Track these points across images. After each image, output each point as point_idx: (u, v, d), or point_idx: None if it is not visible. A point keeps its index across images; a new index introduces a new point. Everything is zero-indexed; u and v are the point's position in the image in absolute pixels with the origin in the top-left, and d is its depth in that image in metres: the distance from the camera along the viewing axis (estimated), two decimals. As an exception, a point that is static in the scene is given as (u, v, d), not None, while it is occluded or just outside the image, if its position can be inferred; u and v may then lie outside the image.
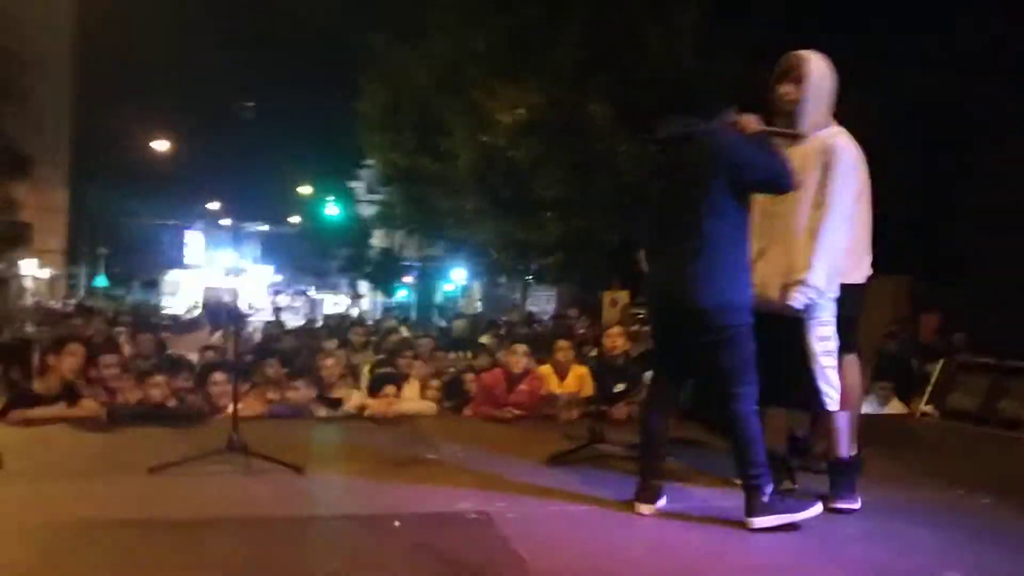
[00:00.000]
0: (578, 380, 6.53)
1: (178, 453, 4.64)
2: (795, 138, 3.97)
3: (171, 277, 54.07)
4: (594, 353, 7.85)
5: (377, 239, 40.06)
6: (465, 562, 3.18)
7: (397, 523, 3.60)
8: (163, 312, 30.83)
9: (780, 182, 3.73)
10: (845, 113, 4.09)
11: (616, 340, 6.66)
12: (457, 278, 37.11)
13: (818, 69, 3.95)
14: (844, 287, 4.05)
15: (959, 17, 12.03)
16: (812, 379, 3.93)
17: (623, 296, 16.22)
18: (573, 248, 18.17)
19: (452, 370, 8.17)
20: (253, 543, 3.35)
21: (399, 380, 6.71)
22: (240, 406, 4.88)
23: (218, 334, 12.68)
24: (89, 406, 5.94)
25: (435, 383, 7.15)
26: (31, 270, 38.87)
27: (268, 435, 5.11)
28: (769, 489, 3.61)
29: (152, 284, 51.34)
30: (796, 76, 3.96)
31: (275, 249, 54.96)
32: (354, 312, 36.97)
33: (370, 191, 39.17)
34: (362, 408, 6.27)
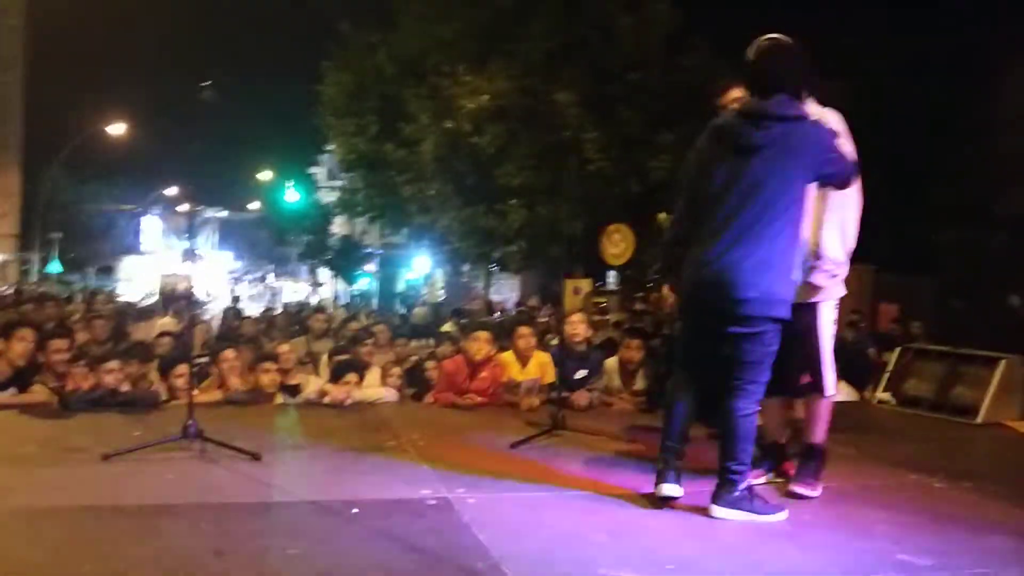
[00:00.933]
0: (540, 367, 6.52)
1: (132, 440, 4.58)
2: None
3: (127, 263, 53.27)
4: (556, 340, 7.85)
5: (338, 226, 39.75)
6: (425, 548, 3.16)
7: (356, 510, 3.58)
8: (119, 299, 30.40)
9: (851, 178, 3.77)
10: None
11: (577, 327, 6.65)
12: (420, 266, 36.96)
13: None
14: None
15: (936, 19, 12.21)
16: (818, 364, 4.02)
17: (586, 284, 16.30)
18: (536, 236, 18.20)
19: (414, 358, 8.13)
20: (210, 529, 3.30)
21: (360, 368, 6.66)
22: (197, 393, 4.81)
23: (169, 318, 12.52)
24: (40, 392, 5.82)
25: (396, 370, 7.10)
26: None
27: (225, 422, 5.06)
28: (743, 486, 3.59)
29: (108, 270, 50.50)
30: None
31: (234, 235, 54.39)
32: (314, 300, 36.72)
33: (331, 177, 38.91)
34: (322, 395, 6.21)
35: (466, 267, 26.72)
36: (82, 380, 5.97)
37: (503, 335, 7.37)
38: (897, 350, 7.32)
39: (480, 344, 6.49)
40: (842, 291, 4.07)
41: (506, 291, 28.09)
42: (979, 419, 6.06)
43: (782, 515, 3.62)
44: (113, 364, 5.98)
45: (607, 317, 13.23)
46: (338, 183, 33.62)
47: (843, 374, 7.54)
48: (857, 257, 4.83)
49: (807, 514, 3.74)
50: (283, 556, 3.02)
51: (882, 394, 6.91)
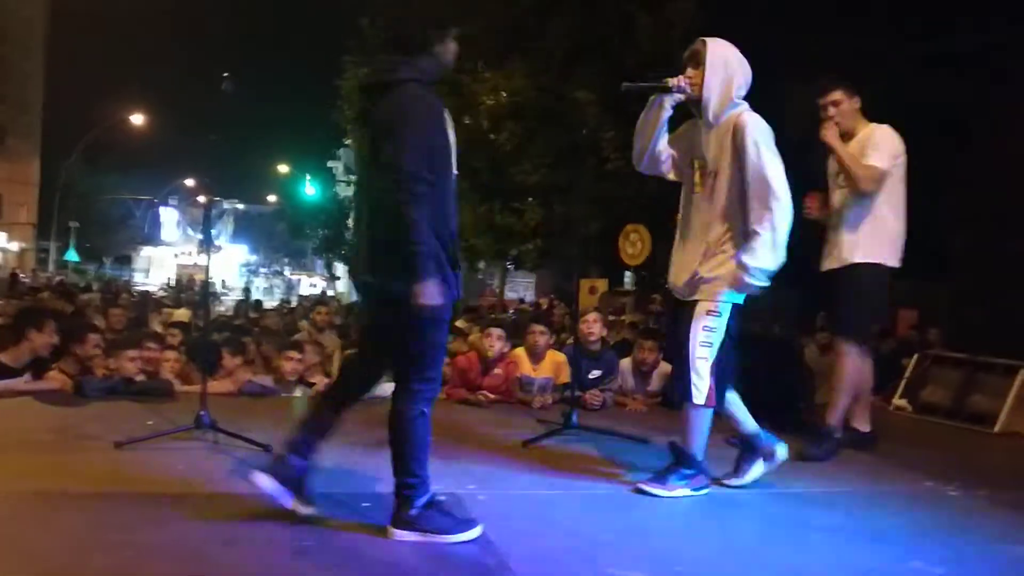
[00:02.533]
0: (554, 366, 6.51)
1: (146, 429, 4.59)
2: (674, 90, 3.95)
3: (144, 253, 53.60)
4: (571, 340, 7.84)
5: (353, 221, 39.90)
6: (434, 542, 3.15)
7: (366, 504, 3.57)
8: (135, 288, 30.60)
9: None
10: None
11: (593, 327, 6.63)
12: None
13: (716, 53, 3.90)
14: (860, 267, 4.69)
15: (954, 20, 12.07)
16: (685, 366, 3.87)
17: (601, 284, 16.27)
18: (553, 235, 18.17)
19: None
20: (220, 519, 3.30)
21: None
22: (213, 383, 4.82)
23: (184, 309, 12.58)
24: (55, 378, 5.86)
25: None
26: (0, 243, 38.38)
27: (237, 413, 5.06)
28: (421, 502, 3.20)
29: (124, 260, 50.83)
30: (696, 61, 3.94)
31: (250, 228, 54.63)
32: (330, 294, 36.83)
33: (349, 171, 38.97)
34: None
35: (481, 264, 26.71)
36: (100, 369, 6.01)
37: (516, 332, 7.36)
38: (915, 356, 7.26)
39: (493, 340, 6.48)
40: (735, 297, 3.88)
41: (521, 289, 28.11)
42: (996, 428, 6.00)
43: (472, 533, 3.20)
44: (133, 352, 6.00)
45: (623, 317, 13.22)
46: (355, 177, 33.70)
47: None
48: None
49: (820, 518, 3.71)
50: (293, 548, 3.02)
51: (899, 400, 6.86)
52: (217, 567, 2.82)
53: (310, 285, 49.33)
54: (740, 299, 3.90)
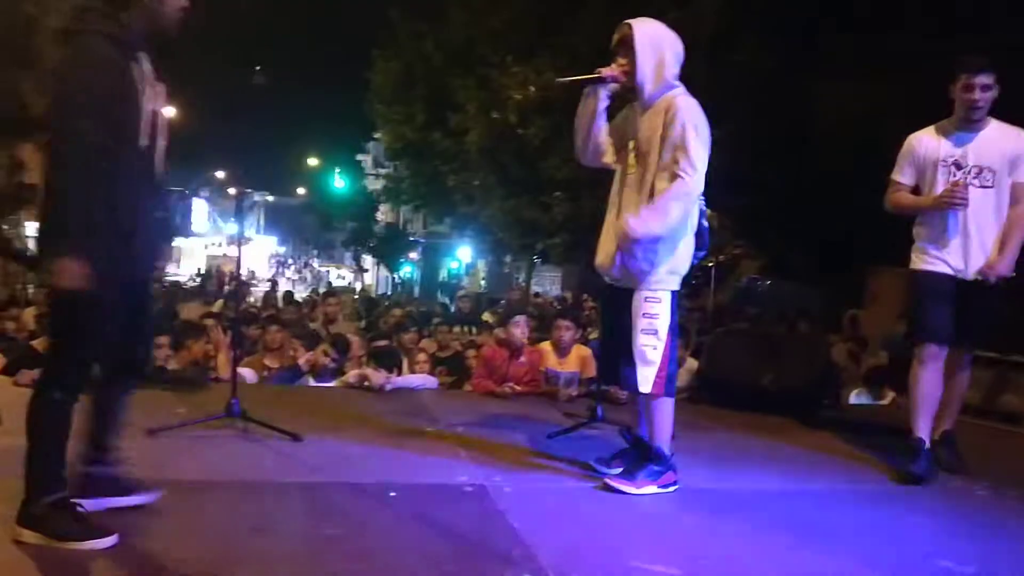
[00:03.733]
0: (580, 360, 6.52)
1: (177, 417, 4.65)
2: (608, 80, 3.91)
3: (175, 244, 54.14)
4: (595, 335, 7.84)
5: (383, 214, 40.01)
6: (460, 534, 3.18)
7: (393, 493, 3.60)
8: (167, 279, 30.89)
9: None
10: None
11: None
12: (462, 256, 37.08)
13: (643, 35, 3.84)
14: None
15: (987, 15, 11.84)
16: (630, 355, 3.81)
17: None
18: (580, 229, 18.13)
19: (456, 345, 8.19)
20: (249, 507, 3.34)
21: (398, 355, 6.71)
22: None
23: (219, 302, 12.72)
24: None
25: (422, 356, 7.18)
26: (34, 231, 38.91)
27: (268, 402, 5.12)
28: (49, 500, 2.87)
29: (157, 251, 51.32)
30: (626, 46, 3.87)
31: (279, 220, 54.98)
32: (357, 286, 37.02)
33: (377, 165, 39.13)
34: (362, 379, 6.26)
35: (508, 258, 26.78)
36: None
37: (543, 326, 7.39)
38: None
39: (520, 329, 6.51)
40: (672, 284, 3.83)
41: (547, 283, 28.10)
42: (1026, 427, 5.95)
43: (102, 542, 2.83)
44: (163, 339, 6.08)
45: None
46: (384, 171, 33.83)
47: (893, 379, 7.50)
48: (891, 259, 4.77)
49: (847, 516, 3.70)
50: (321, 536, 3.06)
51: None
52: (245, 554, 2.85)
53: (338, 276, 49.60)
54: (678, 285, 3.87)
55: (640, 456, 3.90)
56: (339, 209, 40.41)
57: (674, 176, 3.68)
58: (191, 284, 30.64)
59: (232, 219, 52.28)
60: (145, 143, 2.95)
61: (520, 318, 6.67)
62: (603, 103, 4.00)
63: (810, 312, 12.87)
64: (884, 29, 13.27)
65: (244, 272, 6.32)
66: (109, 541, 2.84)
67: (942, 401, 4.47)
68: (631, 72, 3.84)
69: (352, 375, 6.38)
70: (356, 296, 25.32)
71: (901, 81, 12.40)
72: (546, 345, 6.69)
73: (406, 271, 40.98)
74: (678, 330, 3.94)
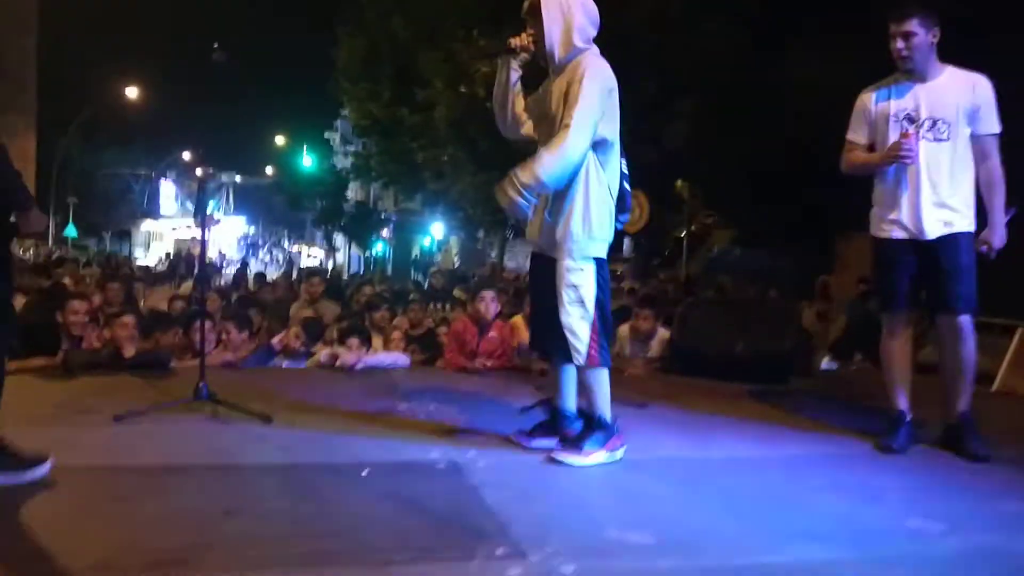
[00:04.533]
0: (551, 333, 6.50)
1: (144, 401, 4.60)
2: (518, 50, 3.87)
3: (143, 228, 53.52)
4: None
5: (353, 192, 39.77)
6: (434, 510, 3.17)
7: (365, 472, 3.58)
8: (134, 263, 30.60)
9: None
10: None
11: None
12: (435, 233, 36.96)
13: (549, 3, 3.74)
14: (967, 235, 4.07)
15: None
16: (559, 326, 3.76)
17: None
18: (552, 202, 18.13)
19: (428, 323, 8.16)
20: (222, 490, 3.31)
21: (367, 332, 6.67)
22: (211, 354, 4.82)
23: (186, 284, 12.59)
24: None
25: (396, 335, 7.15)
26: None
27: (237, 384, 5.08)
28: None
29: (124, 235, 50.76)
30: (534, 14, 3.80)
31: (248, 200, 54.49)
32: (329, 265, 36.83)
33: (346, 142, 38.81)
34: (333, 358, 6.23)
35: (480, 234, 26.72)
36: (96, 342, 6.01)
37: (516, 300, 7.37)
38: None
39: (486, 303, 6.49)
40: (593, 251, 3.76)
41: (520, 258, 28.08)
42: (994, 387, 6.01)
43: (41, 469, 3.30)
44: (127, 319, 5.99)
45: (622, 284, 13.21)
46: (352, 148, 33.58)
47: (859, 344, 7.57)
48: (859, 225, 4.68)
49: (817, 478, 3.73)
50: (293, 516, 3.03)
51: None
52: (218, 537, 2.82)
53: (309, 256, 49.30)
54: (602, 253, 3.80)
55: (585, 426, 3.92)
56: (308, 188, 40.12)
57: (558, 131, 3.61)
58: (159, 268, 30.35)
59: (200, 200, 51.68)
60: None
61: (487, 293, 6.66)
62: (515, 74, 3.96)
63: (780, 279, 12.98)
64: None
65: (214, 254, 6.22)
66: (47, 466, 3.30)
67: (947, 378, 4.23)
68: (539, 39, 3.78)
69: (323, 354, 6.34)
70: (327, 276, 25.17)
71: (868, 47, 12.42)
72: (518, 319, 6.68)
73: (378, 249, 40.80)
74: (608, 299, 3.87)
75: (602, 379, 3.85)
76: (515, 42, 3.86)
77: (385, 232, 40.16)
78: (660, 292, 12.49)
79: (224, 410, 4.46)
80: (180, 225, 51.61)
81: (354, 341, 6.31)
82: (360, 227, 38.08)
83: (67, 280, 10.36)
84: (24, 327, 6.11)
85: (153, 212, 54.89)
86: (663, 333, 6.69)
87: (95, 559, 2.59)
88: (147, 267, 30.04)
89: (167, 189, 56.30)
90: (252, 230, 55.33)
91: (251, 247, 50.82)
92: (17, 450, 3.36)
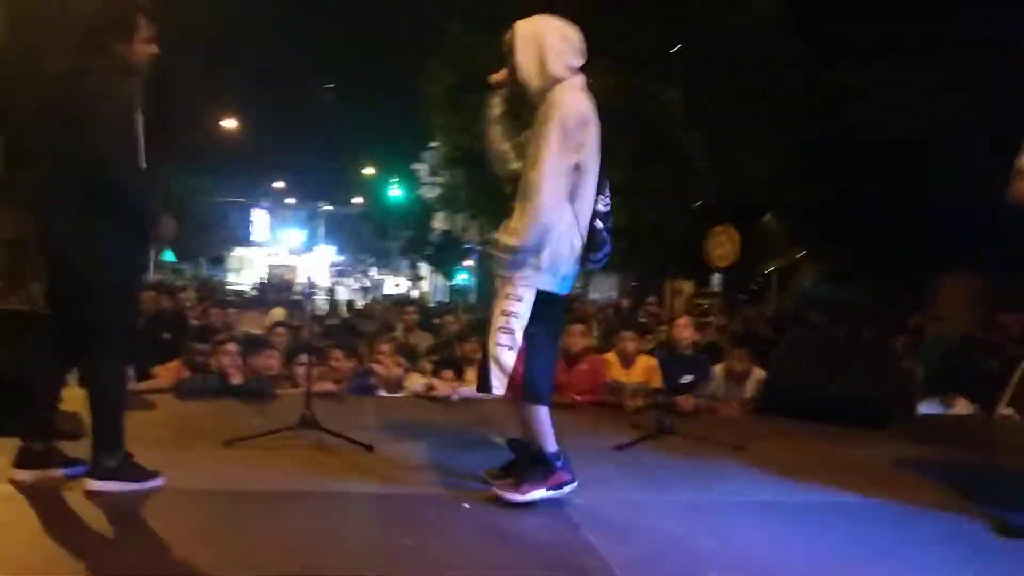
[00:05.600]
0: (646, 371, 6.49)
1: (251, 428, 4.75)
2: (494, 86, 3.81)
3: (237, 254, 55.17)
4: (653, 345, 7.83)
5: (439, 222, 40.26)
6: (534, 546, 3.22)
7: (467, 505, 3.64)
8: (229, 288, 31.51)
9: None
10: None
11: (683, 331, 6.60)
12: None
13: (523, 34, 3.68)
14: None
15: None
16: (483, 354, 3.65)
17: (687, 286, 16.19)
18: (638, 235, 18.08)
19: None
20: (328, 516, 3.42)
21: (460, 364, 6.76)
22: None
23: (281, 309, 12.92)
24: (165, 377, 6.12)
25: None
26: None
27: (338, 412, 5.20)
28: None
29: (219, 260, 52.37)
30: (510, 49, 3.70)
31: (338, 229, 55.62)
32: (414, 294, 37.32)
33: (433, 173, 39.34)
34: (428, 389, 6.33)
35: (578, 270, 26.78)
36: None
37: (607, 335, 7.38)
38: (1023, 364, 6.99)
39: (575, 338, 6.50)
40: (540, 283, 3.56)
41: (604, 289, 28.00)
42: None
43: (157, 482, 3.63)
44: (231, 347, 6.20)
45: (709, 319, 13.09)
46: (440, 179, 34.02)
47: (962, 388, 7.33)
48: (970, 265, 4.48)
49: (914, 533, 3.62)
50: (397, 547, 3.11)
51: (1004, 409, 6.63)
52: (325, 563, 2.92)
53: (395, 285, 50.02)
54: (551, 287, 3.60)
55: (525, 463, 3.73)
56: (395, 218, 40.77)
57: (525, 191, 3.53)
58: (251, 293, 31.19)
59: (293, 228, 53.08)
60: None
61: (576, 326, 6.67)
62: (495, 110, 3.87)
63: (872, 317, 12.66)
64: (940, 15, 12.99)
65: (307, 280, 6.38)
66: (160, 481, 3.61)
67: None
68: (515, 73, 3.69)
69: (419, 385, 6.45)
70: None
71: (963, 71, 12.10)
72: (611, 356, 6.68)
73: (462, 278, 41.13)
74: (549, 336, 3.67)
75: (535, 415, 3.64)
76: (494, 78, 3.82)
77: (469, 262, 40.48)
78: (749, 329, 12.31)
79: (328, 437, 4.59)
80: (273, 252, 53.11)
81: (448, 373, 6.40)
82: (445, 256, 38.44)
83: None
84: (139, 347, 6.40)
85: (246, 239, 56.56)
86: (758, 373, 6.61)
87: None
88: (240, 291, 30.91)
89: (260, 216, 57.96)
90: (341, 258, 56.43)
91: (340, 275, 51.86)
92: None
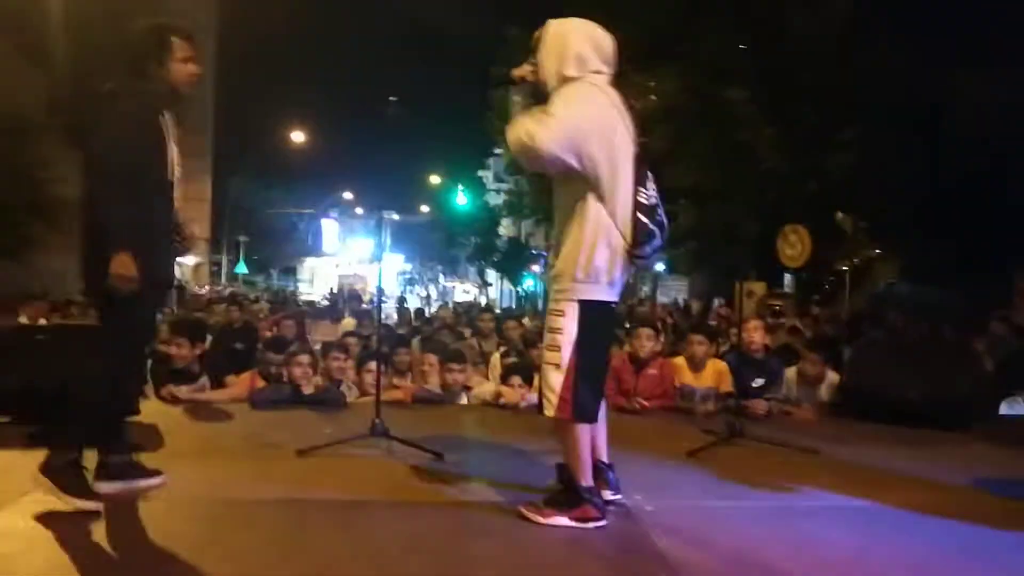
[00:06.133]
0: (716, 375, 6.41)
1: (323, 437, 4.82)
2: (517, 80, 3.67)
3: (307, 264, 56.18)
4: (725, 348, 7.73)
5: (505, 228, 40.39)
6: (606, 553, 3.20)
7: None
8: (300, 298, 32.09)
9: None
10: None
11: (754, 335, 6.49)
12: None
13: (552, 33, 3.60)
14: None
15: None
16: (540, 375, 3.58)
17: (759, 287, 15.96)
18: (708, 237, 17.88)
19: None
20: (400, 526, 3.44)
21: (529, 371, 6.75)
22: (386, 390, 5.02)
23: (347, 320, 13.10)
24: (239, 386, 6.25)
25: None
26: (179, 258, 41.07)
27: (408, 421, 5.25)
28: None
29: (290, 271, 53.41)
30: (536, 44, 3.64)
31: (405, 238, 56.23)
32: (482, 300, 37.49)
33: (498, 180, 39.51)
34: (497, 396, 6.35)
35: (633, 269, 26.65)
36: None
37: (675, 341, 7.31)
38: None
39: (642, 341, 6.45)
40: (582, 293, 3.44)
41: (673, 293, 27.78)
42: None
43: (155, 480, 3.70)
44: (303, 358, 6.30)
45: (781, 320, 12.87)
46: (505, 186, 34.16)
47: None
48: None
49: (998, 538, 3.50)
50: (469, 556, 3.12)
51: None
52: (397, 571, 2.94)
53: (463, 292, 50.38)
54: (598, 295, 3.47)
55: (561, 485, 3.62)
56: (462, 225, 40.99)
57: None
58: (322, 303, 31.70)
59: (361, 238, 53.77)
60: (171, 178, 3.71)
61: (644, 330, 6.62)
62: (516, 106, 3.74)
63: (952, 316, 12.30)
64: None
65: (376, 290, 6.47)
66: (158, 480, 3.70)
67: None
68: (537, 71, 3.62)
69: (487, 393, 6.47)
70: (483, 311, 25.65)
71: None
72: (680, 360, 6.61)
73: (528, 284, 41.17)
74: (599, 348, 3.56)
75: (574, 435, 3.50)
76: (516, 73, 3.75)
77: (536, 267, 40.52)
78: (821, 331, 12.07)
79: (398, 446, 4.63)
80: (342, 262, 53.92)
81: (516, 379, 6.40)
82: (512, 263, 38.55)
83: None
84: (216, 360, 6.57)
85: (316, 249, 57.54)
86: (832, 377, 6.48)
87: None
88: (312, 302, 31.44)
89: (330, 227, 58.91)
90: (410, 267, 57.04)
91: (408, 283, 52.41)
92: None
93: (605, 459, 3.72)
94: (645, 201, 3.53)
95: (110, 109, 3.59)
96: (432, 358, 6.70)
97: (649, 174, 3.57)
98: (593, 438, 3.62)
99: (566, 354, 3.43)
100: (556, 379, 3.44)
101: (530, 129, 3.42)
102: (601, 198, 3.45)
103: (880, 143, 14.80)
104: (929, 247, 16.51)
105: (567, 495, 3.52)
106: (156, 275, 3.67)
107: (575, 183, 3.48)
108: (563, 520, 3.44)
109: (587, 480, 3.50)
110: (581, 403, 3.44)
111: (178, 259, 3.82)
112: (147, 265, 3.53)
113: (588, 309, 3.45)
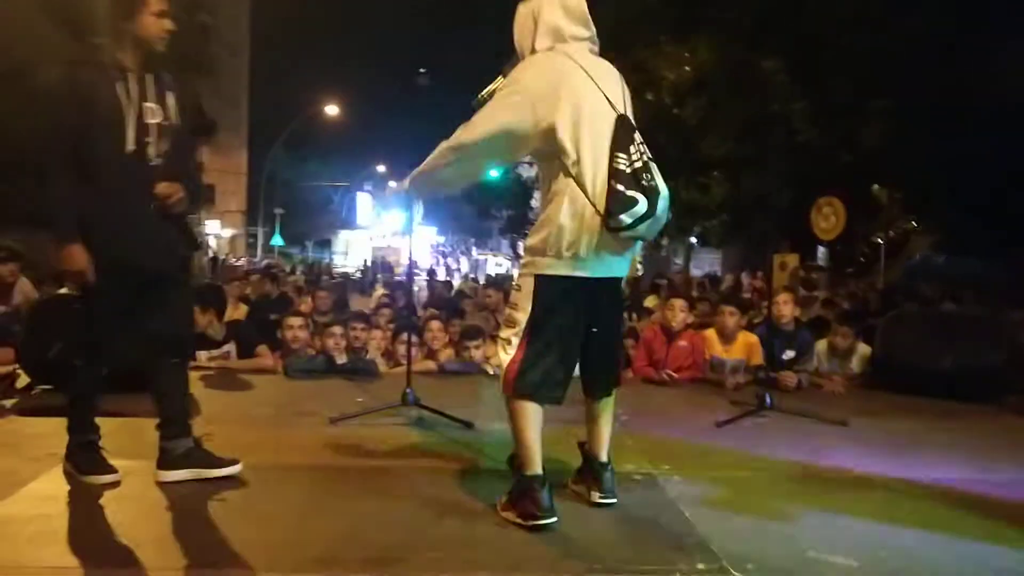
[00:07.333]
0: (746, 347, 6.41)
1: (355, 406, 4.90)
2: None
3: (342, 237, 56.48)
4: (758, 320, 7.71)
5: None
6: (632, 521, 3.23)
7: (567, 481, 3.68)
8: (336, 270, 32.33)
9: None
10: None
11: (784, 308, 6.47)
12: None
13: (520, 15, 3.44)
14: None
15: None
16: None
17: (792, 259, 15.84)
18: (740, 209, 17.73)
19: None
20: (427, 491, 3.50)
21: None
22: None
23: (378, 291, 13.19)
24: (266, 356, 6.36)
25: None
26: (214, 229, 41.49)
27: (439, 390, 5.32)
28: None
29: (325, 243, 53.75)
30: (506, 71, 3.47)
31: (438, 211, 56.31)
32: (515, 272, 37.55)
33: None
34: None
35: (665, 241, 26.44)
36: (308, 347, 6.46)
37: (710, 311, 7.31)
38: None
39: (675, 312, 6.47)
40: (542, 267, 3.22)
41: (706, 266, 27.61)
42: None
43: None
44: (336, 329, 6.41)
45: (815, 293, 12.77)
46: (537, 157, 34.00)
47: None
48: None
49: (1014, 508, 3.50)
50: (500, 520, 3.17)
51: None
52: (432, 537, 3.00)
53: (496, 264, 50.43)
54: (560, 270, 3.19)
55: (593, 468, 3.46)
56: (494, 197, 40.92)
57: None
58: (356, 275, 31.91)
59: (396, 210, 53.83)
60: (132, 148, 3.38)
61: (677, 301, 6.63)
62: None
63: (990, 289, 12.12)
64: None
65: (409, 261, 6.53)
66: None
67: None
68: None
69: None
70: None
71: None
72: (711, 332, 6.61)
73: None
74: (554, 323, 3.25)
75: (517, 415, 3.27)
76: (486, 92, 3.55)
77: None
78: (855, 303, 11.96)
79: (428, 415, 4.70)
80: (376, 235, 54.18)
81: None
82: (545, 235, 38.52)
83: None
84: (247, 330, 6.68)
85: (351, 222, 57.81)
86: (863, 349, 6.45)
87: (319, 552, 2.82)
88: (346, 273, 31.66)
89: (364, 200, 59.13)
90: (443, 239, 57.16)
91: (441, 255, 52.56)
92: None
93: (604, 459, 3.45)
94: (624, 167, 3.15)
95: (44, 92, 3.53)
96: (442, 335, 6.75)
97: (637, 137, 3.26)
98: (590, 433, 3.50)
99: (519, 329, 3.25)
100: (504, 354, 3.29)
101: (456, 134, 3.38)
102: (572, 170, 3.18)
103: (914, 112, 14.55)
104: (967, 219, 16.25)
105: (516, 486, 3.25)
106: (128, 259, 3.41)
107: (549, 161, 3.28)
108: (511, 516, 3.18)
109: (531, 469, 3.21)
110: (527, 381, 3.21)
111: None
112: (112, 250, 3.36)
113: (548, 284, 3.22)
